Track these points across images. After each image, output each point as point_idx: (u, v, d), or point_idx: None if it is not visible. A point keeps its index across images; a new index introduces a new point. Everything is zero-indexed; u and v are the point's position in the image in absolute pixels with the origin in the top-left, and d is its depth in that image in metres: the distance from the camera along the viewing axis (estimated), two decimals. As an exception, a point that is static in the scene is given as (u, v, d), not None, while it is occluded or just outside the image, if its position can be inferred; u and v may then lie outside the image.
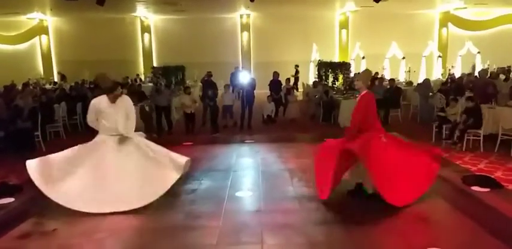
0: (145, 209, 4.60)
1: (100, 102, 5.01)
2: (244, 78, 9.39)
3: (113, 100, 5.00)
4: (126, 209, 4.53)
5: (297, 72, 17.04)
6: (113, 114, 4.96)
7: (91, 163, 4.81)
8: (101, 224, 4.29)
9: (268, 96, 10.47)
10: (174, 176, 5.02)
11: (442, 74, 16.04)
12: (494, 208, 4.40)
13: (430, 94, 9.93)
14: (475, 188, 5.02)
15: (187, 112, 9.16)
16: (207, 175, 5.92)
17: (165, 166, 5.04)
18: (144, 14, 18.68)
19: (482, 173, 5.65)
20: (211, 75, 10.47)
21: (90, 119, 5.11)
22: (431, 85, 10.47)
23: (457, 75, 14.90)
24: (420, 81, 12.25)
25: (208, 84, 9.82)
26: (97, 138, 5.02)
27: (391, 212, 4.40)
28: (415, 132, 8.80)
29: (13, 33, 19.58)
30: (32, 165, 4.78)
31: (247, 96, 9.44)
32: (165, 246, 3.72)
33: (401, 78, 15.86)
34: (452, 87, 10.75)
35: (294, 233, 3.96)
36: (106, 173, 4.74)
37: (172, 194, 4.98)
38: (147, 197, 4.71)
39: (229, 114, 10.19)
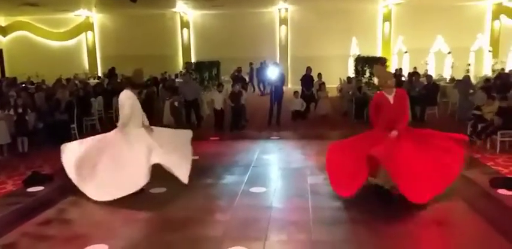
0: (158, 201, 4.74)
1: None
2: (272, 73, 9.31)
3: None
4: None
5: (251, 69, 16.51)
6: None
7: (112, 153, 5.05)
8: (117, 214, 4.48)
9: (295, 92, 10.33)
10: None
11: (494, 70, 15.06)
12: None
13: (471, 91, 9.41)
14: (502, 191, 4.74)
15: (217, 109, 9.19)
16: (226, 170, 5.99)
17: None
18: (183, 10, 19.01)
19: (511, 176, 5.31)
20: (241, 71, 10.50)
21: None
22: (471, 82, 9.92)
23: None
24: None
25: (238, 79, 9.85)
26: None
27: (405, 214, 4.28)
28: (451, 130, 8.32)
29: (62, 30, 20.64)
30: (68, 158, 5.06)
31: (276, 92, 9.37)
32: (170, 238, 3.83)
33: (447, 73, 15.09)
34: (497, 83, 10.12)
35: (299, 230, 3.94)
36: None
37: (190, 188, 5.08)
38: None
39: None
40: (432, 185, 4.57)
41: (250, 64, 16.63)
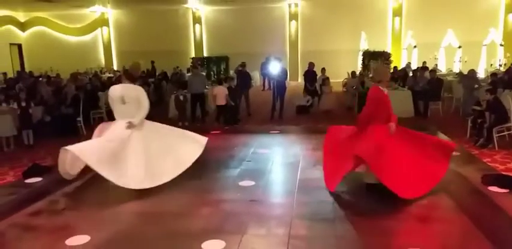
0: (149, 194, 4.83)
1: None
2: (274, 68, 9.30)
3: None
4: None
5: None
6: None
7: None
8: (105, 207, 4.57)
9: (304, 89, 10.30)
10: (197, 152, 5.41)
11: (501, 65, 14.71)
12: (503, 210, 4.09)
13: (476, 86, 9.21)
14: (493, 188, 4.68)
15: (220, 105, 9.11)
16: (219, 164, 6.05)
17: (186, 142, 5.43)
18: (195, 5, 19.13)
19: (506, 173, 5.22)
20: (245, 65, 10.51)
21: None
22: (476, 76, 9.70)
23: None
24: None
25: (242, 74, 9.87)
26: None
27: (389, 210, 4.26)
28: (453, 126, 8.29)
29: (78, 25, 21.06)
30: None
31: (278, 87, 9.39)
32: (151, 231, 3.90)
33: (456, 68, 14.81)
34: (504, 78, 9.87)
35: (278, 224, 3.97)
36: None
37: (180, 182, 5.16)
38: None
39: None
40: (421, 183, 4.55)
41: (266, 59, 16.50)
